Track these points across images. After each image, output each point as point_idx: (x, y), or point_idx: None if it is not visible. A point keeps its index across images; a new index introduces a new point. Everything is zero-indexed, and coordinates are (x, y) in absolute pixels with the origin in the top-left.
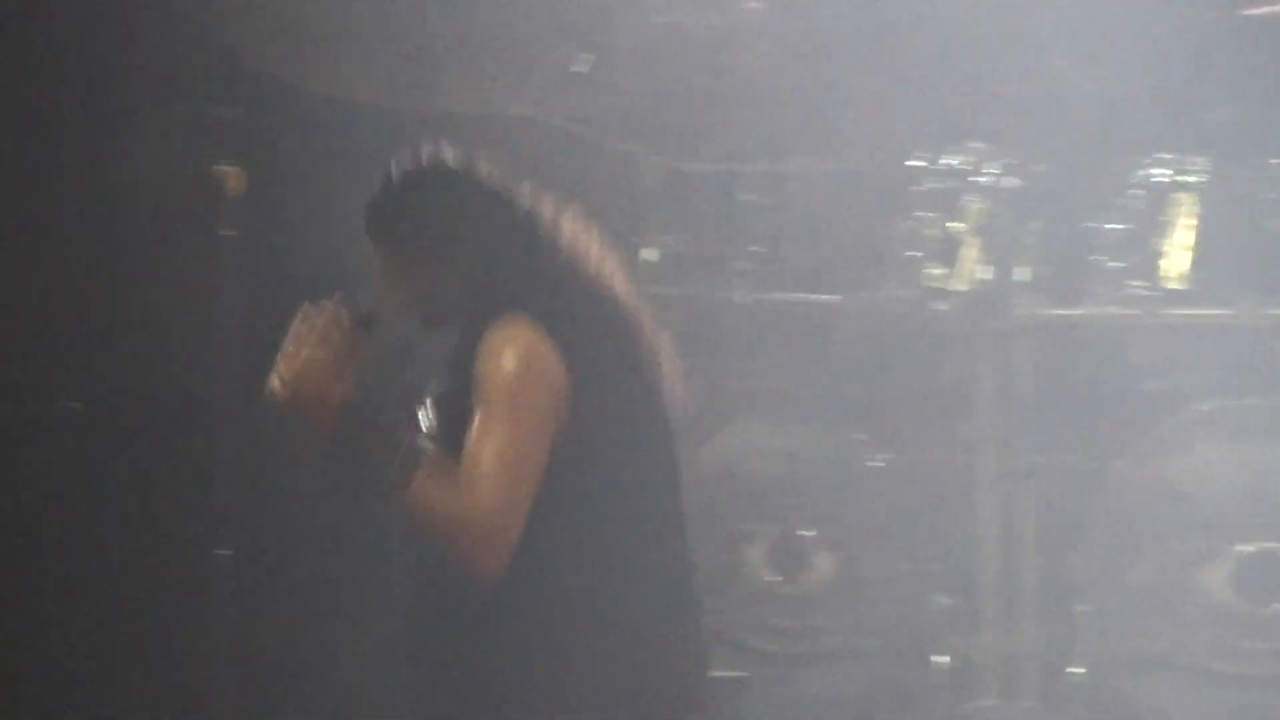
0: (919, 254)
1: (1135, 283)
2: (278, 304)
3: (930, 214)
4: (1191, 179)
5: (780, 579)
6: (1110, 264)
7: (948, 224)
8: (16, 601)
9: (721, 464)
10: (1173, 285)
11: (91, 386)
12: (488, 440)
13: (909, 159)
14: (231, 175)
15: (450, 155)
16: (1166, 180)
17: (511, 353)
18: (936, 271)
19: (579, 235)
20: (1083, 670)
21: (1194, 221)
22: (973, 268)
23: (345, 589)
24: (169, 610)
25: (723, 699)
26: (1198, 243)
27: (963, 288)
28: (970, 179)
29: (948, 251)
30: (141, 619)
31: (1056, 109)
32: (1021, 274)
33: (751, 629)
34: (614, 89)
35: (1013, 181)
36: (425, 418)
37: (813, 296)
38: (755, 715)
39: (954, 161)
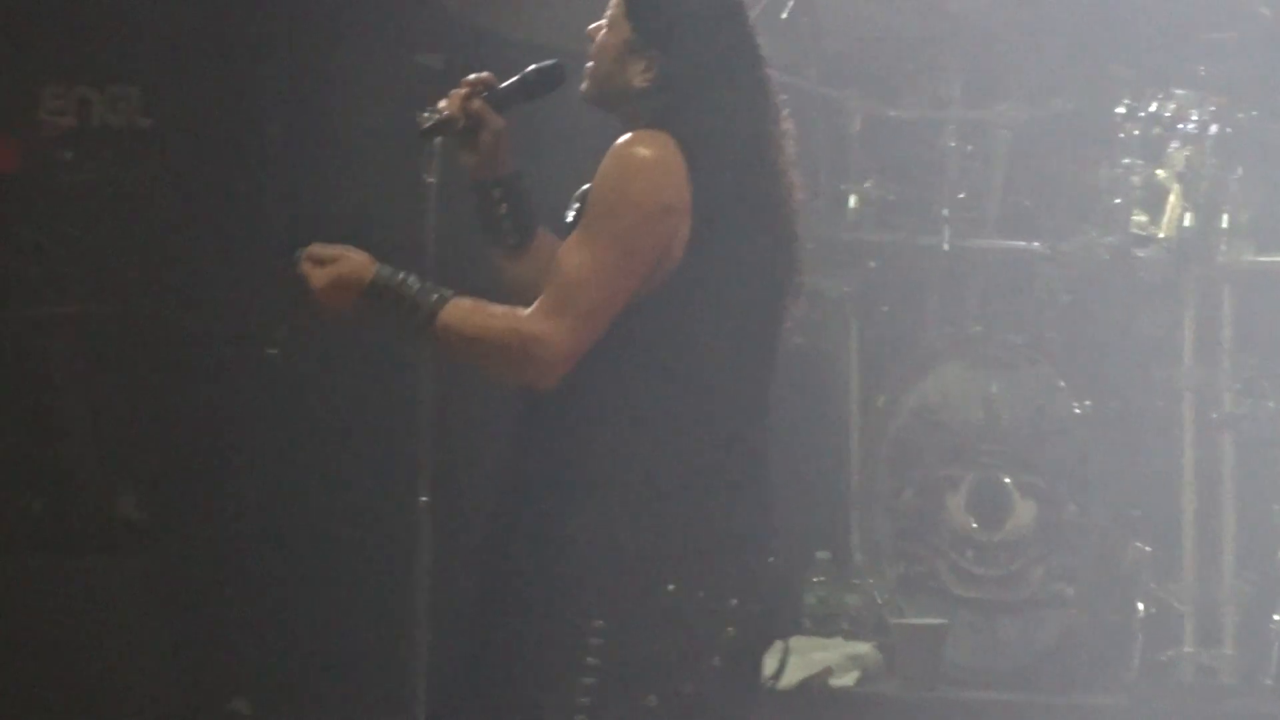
0: (1122, 201)
1: None
2: (478, 245)
3: (1136, 160)
4: None
5: (979, 526)
6: None
7: (1154, 171)
8: (220, 532)
9: (923, 409)
10: None
11: (297, 332)
12: (574, 256)
13: (1115, 105)
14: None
15: None
16: None
17: (632, 167)
18: (1141, 218)
19: (774, 102)
20: None
21: None
22: (1177, 214)
23: None
24: (371, 552)
25: (921, 643)
26: None
27: (1166, 234)
28: (1176, 125)
29: (1152, 198)
30: (340, 560)
31: (1261, 55)
32: (1225, 221)
33: (952, 575)
34: (820, 35)
35: (1217, 128)
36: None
37: (1015, 243)
38: (956, 660)
39: (1159, 108)
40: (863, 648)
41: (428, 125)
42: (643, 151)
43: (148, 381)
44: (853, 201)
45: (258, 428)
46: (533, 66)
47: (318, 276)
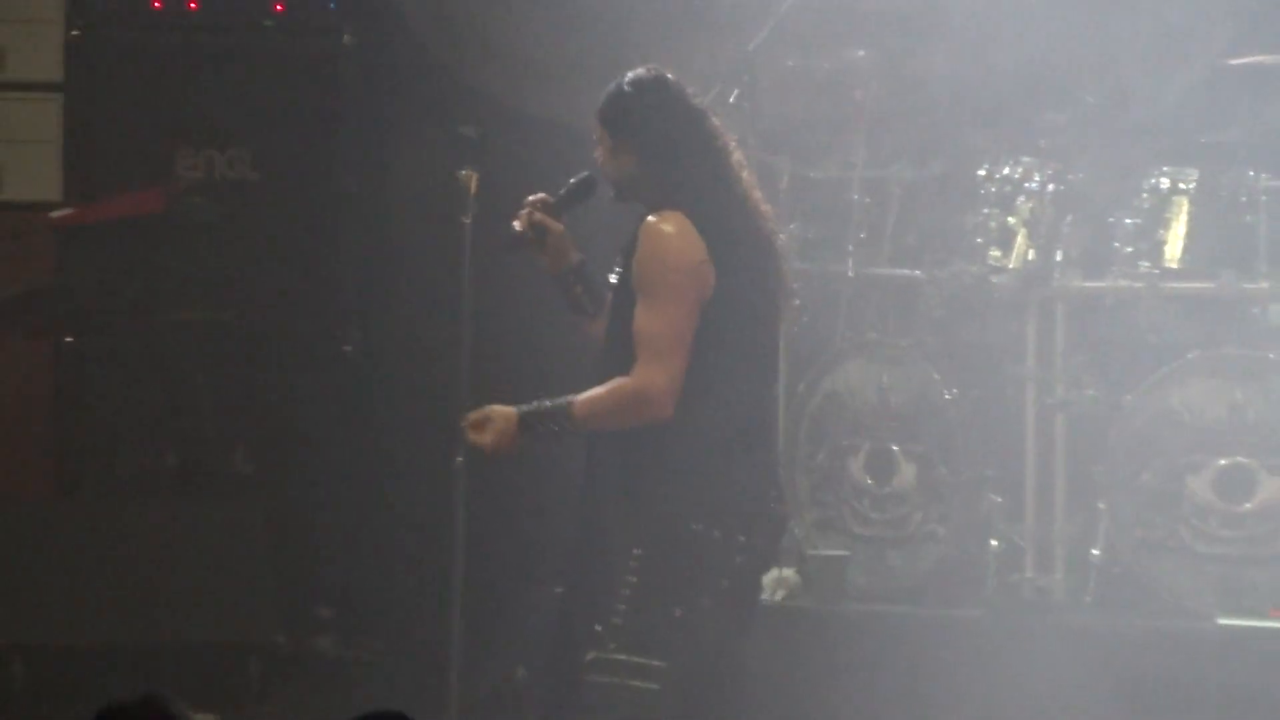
0: (982, 240)
1: (1143, 263)
2: (502, 271)
3: (993, 209)
4: (1184, 185)
5: (873, 482)
6: (1125, 249)
7: (1006, 218)
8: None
9: (832, 394)
10: (1169, 265)
11: (367, 333)
12: (646, 319)
13: (977, 168)
14: (471, 177)
15: (667, 76)
16: (1167, 186)
17: (664, 243)
18: (996, 253)
19: (743, 163)
20: (1099, 552)
21: (1186, 217)
22: (1024, 250)
23: None
24: (420, 499)
25: (830, 570)
26: (1189, 233)
27: (1015, 265)
28: (1023, 184)
29: (1005, 238)
30: (396, 506)
31: (1086, 131)
32: (1060, 255)
33: (853, 518)
34: (758, 114)
35: (1053, 186)
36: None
37: (902, 271)
38: (856, 582)
39: (1010, 171)
40: (787, 572)
41: (506, 243)
42: (666, 228)
43: (255, 368)
44: (781, 238)
45: (336, 403)
46: (573, 180)
47: (485, 441)
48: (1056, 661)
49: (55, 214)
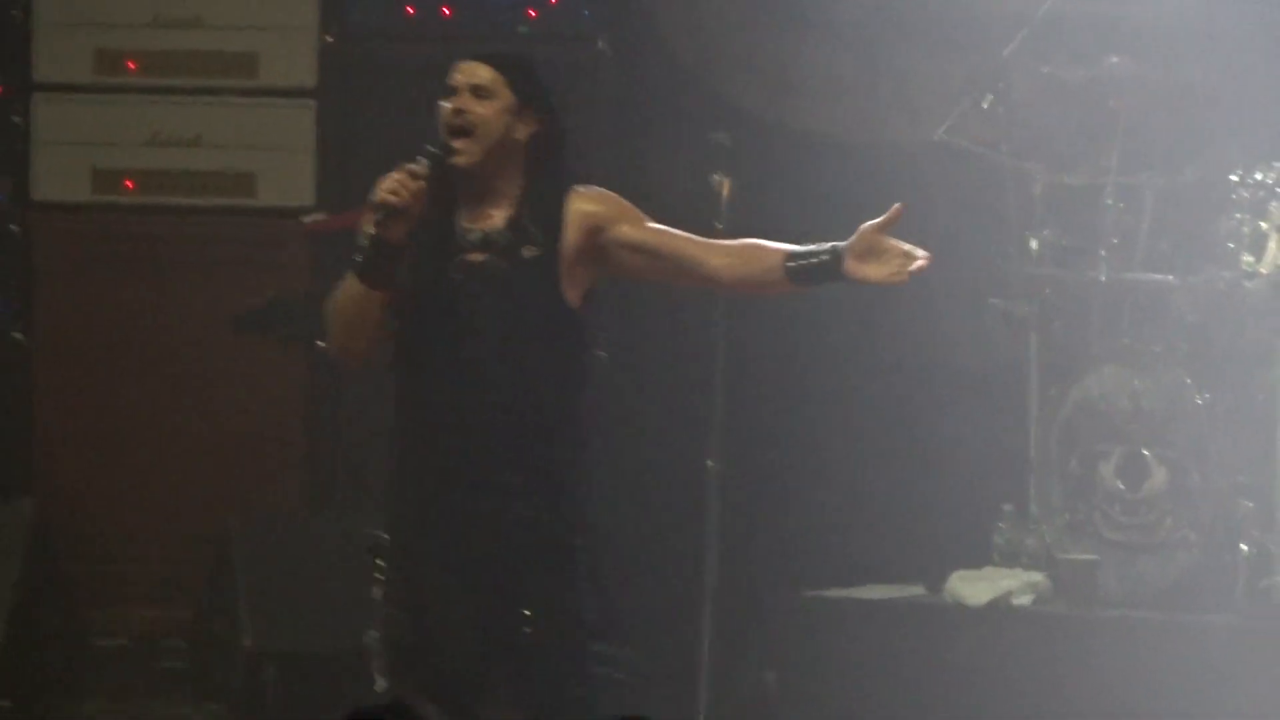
0: (1235, 245)
1: None
2: None
3: (1245, 215)
4: None
5: (1125, 486)
6: None
7: (1259, 223)
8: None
9: (1085, 400)
10: None
11: (619, 337)
12: (656, 226)
13: (1230, 174)
14: (724, 183)
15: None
16: None
17: (609, 195)
18: (1249, 258)
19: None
20: None
21: None
22: (1275, 256)
23: None
24: (671, 501)
25: (1080, 574)
26: None
27: (1268, 270)
28: (1276, 189)
29: (1257, 244)
30: (648, 510)
31: None
32: None
33: (1104, 523)
34: (1012, 121)
35: None
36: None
37: (1155, 276)
38: (1106, 587)
39: (1263, 176)
40: (1037, 576)
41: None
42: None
43: None
44: (1034, 245)
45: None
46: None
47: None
48: None
49: (308, 219)
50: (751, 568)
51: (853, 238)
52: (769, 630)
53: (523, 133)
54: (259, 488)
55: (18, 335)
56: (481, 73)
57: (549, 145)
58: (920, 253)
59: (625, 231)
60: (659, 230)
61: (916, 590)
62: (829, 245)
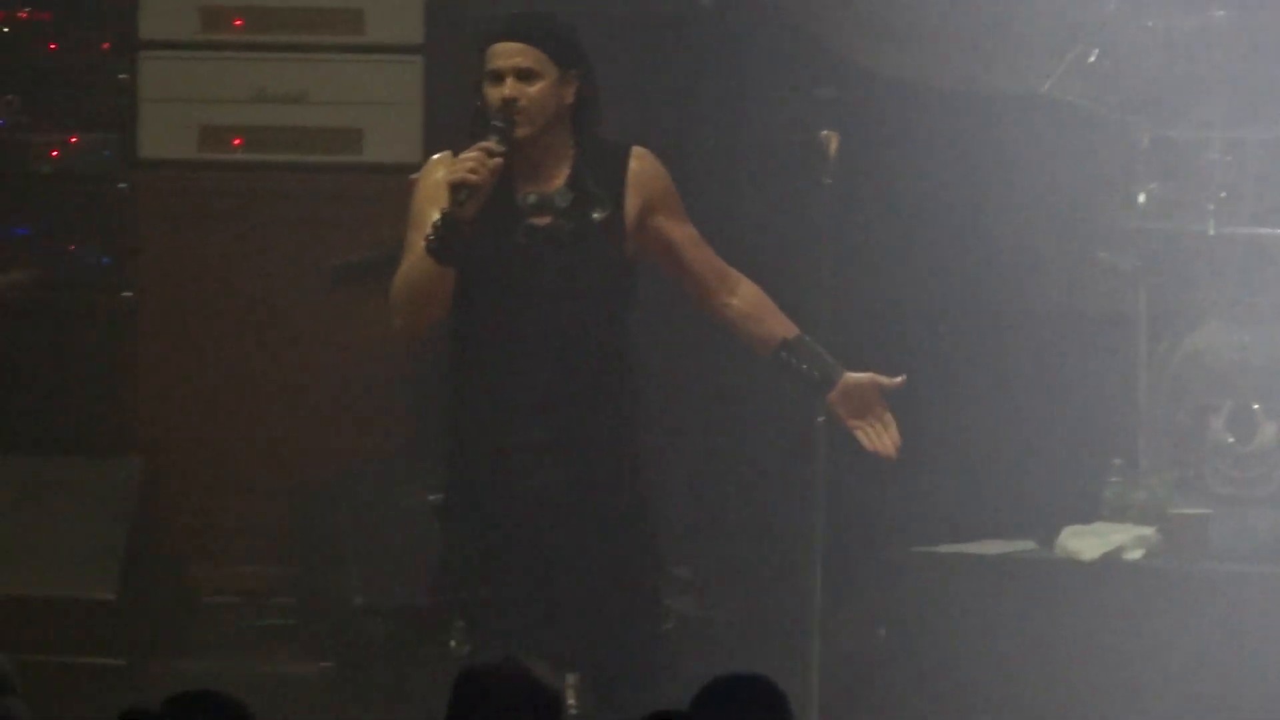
0: None
1: None
2: (873, 228)
3: None
4: None
5: (1235, 440)
6: None
7: None
8: None
9: (1194, 353)
10: None
11: None
12: (690, 232)
13: None
14: (831, 138)
15: None
16: None
17: (661, 171)
18: None
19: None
20: None
21: None
22: None
23: None
24: (781, 457)
25: (1192, 528)
26: None
27: None
28: None
29: None
30: (759, 465)
31: None
32: None
33: (1214, 477)
34: (1117, 74)
35: None
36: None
37: (1262, 230)
38: (1216, 541)
39: None
40: (1147, 531)
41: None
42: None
43: None
44: (1142, 198)
45: (695, 365)
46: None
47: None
48: None
49: (414, 176)
50: (861, 523)
51: (855, 376)
52: (879, 586)
53: (569, 96)
54: (364, 442)
55: (127, 294)
56: (522, 56)
57: (592, 100)
58: (893, 436)
59: (663, 223)
60: (693, 240)
61: (1027, 545)
62: (828, 364)
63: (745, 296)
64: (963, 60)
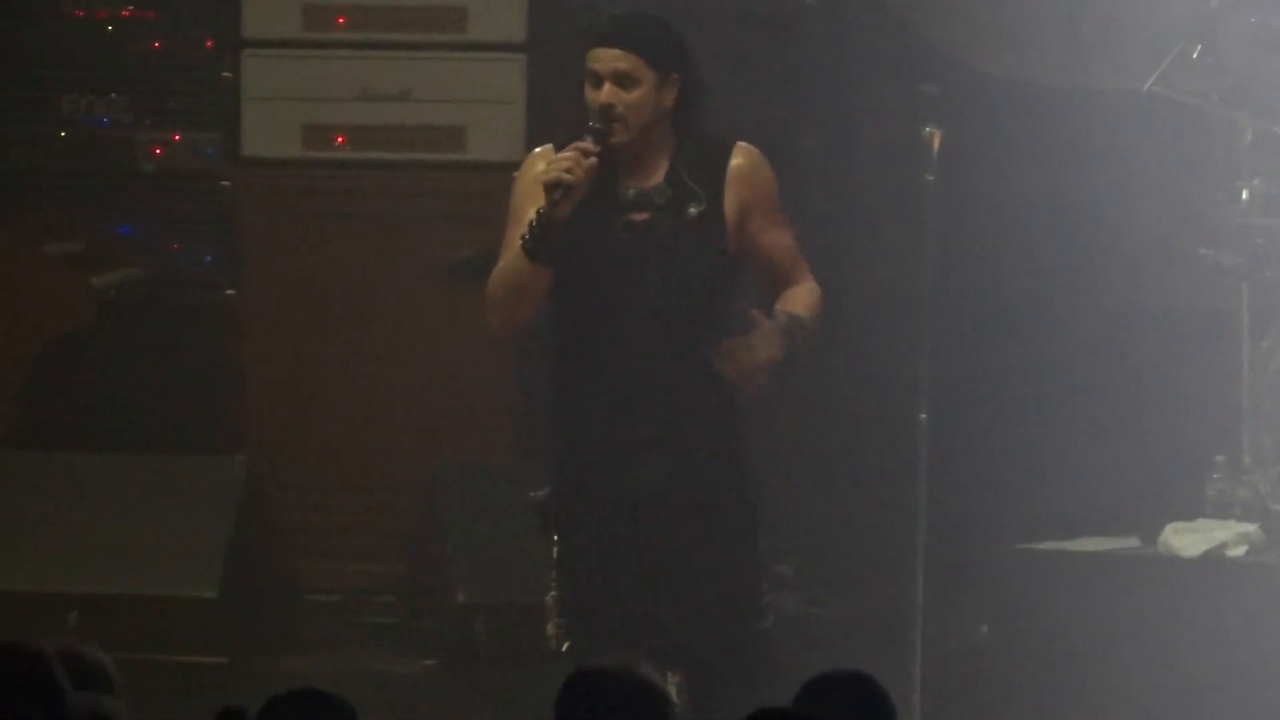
0: None
1: None
2: (976, 225)
3: None
4: None
5: None
6: None
7: None
8: None
9: None
10: None
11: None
12: (784, 233)
13: None
14: (934, 135)
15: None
16: None
17: (765, 165)
18: None
19: None
20: None
21: None
22: None
23: None
24: (882, 455)
25: None
26: None
27: None
28: None
29: None
30: (858, 463)
31: None
32: None
33: None
34: (1220, 70)
35: None
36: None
37: None
38: None
39: None
40: (1250, 528)
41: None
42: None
43: None
44: (1245, 194)
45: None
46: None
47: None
48: None
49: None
50: (963, 521)
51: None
52: (982, 583)
53: (669, 98)
54: (466, 439)
55: (230, 292)
56: (622, 62)
57: (695, 98)
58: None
59: (759, 227)
60: (784, 248)
61: (1130, 542)
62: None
63: (798, 292)
64: (1065, 57)
